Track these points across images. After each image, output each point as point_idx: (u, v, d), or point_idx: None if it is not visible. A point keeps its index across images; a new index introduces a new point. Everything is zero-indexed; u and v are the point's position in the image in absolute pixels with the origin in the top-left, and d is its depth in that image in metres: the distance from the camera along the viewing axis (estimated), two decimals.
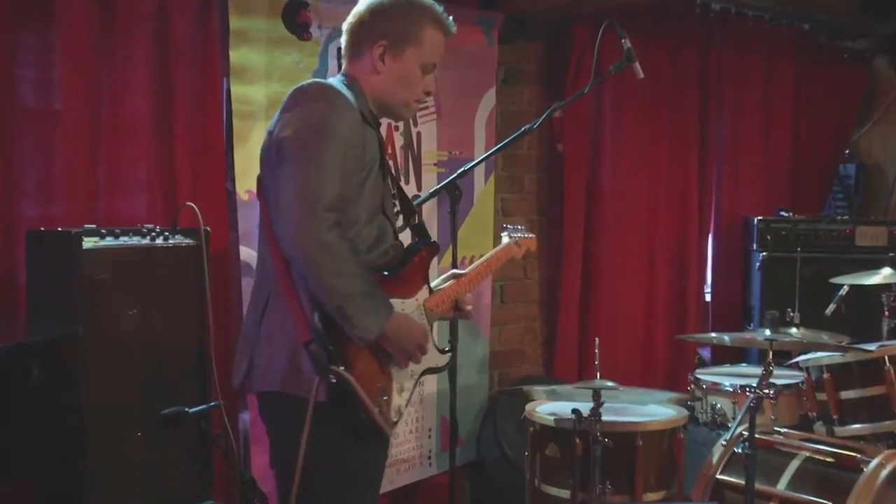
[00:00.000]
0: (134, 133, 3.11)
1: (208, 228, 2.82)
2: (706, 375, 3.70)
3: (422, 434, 4.02)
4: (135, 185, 3.11)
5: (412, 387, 2.24)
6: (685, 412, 3.20)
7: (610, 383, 2.88)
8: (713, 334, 3.41)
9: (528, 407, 3.25)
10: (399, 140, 3.82)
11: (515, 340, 4.61)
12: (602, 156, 4.65)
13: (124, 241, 2.65)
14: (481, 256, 2.68)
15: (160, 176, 3.15)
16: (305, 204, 1.96)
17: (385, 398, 2.10)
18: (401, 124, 3.81)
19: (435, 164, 3.98)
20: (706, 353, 4.92)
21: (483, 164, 3.75)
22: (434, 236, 4.10)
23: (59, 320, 2.54)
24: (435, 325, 2.36)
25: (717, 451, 3.18)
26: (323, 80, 2.18)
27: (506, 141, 3.14)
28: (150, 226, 2.78)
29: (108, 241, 2.61)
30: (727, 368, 3.87)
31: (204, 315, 2.77)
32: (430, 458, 4.05)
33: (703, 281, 5.03)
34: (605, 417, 2.89)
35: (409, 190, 3.86)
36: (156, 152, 3.14)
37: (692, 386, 3.67)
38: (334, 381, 1.98)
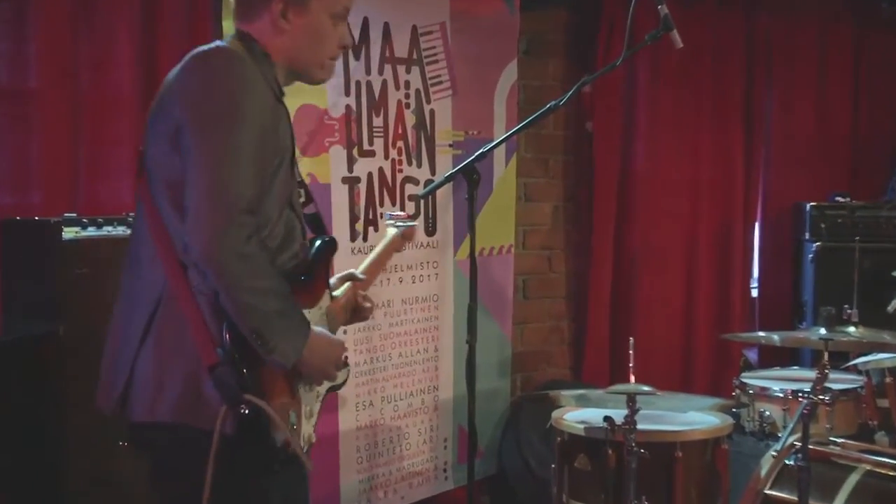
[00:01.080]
0: (118, 112, 3.11)
1: None
2: (753, 379, 3.67)
3: (436, 444, 4.02)
4: (119, 168, 3.11)
5: (318, 410, 2.13)
6: (730, 420, 3.18)
7: (646, 388, 2.86)
8: (761, 333, 3.39)
9: (554, 414, 3.24)
10: (410, 119, 3.82)
11: (540, 340, 4.60)
12: (636, 135, 4.63)
13: (108, 231, 2.66)
14: (373, 251, 2.57)
15: None
16: (221, 207, 1.80)
17: (294, 427, 1.98)
18: (412, 101, 3.81)
19: (450, 146, 3.98)
20: (753, 355, 4.89)
21: (503, 145, 3.75)
22: (449, 226, 4.20)
23: (37, 319, 2.56)
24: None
25: (765, 464, 3.16)
26: (225, 45, 1.97)
27: (529, 119, 3.11)
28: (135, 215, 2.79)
29: (91, 232, 2.62)
30: (777, 372, 3.84)
31: None
32: (445, 470, 4.06)
33: (750, 274, 5.01)
34: (640, 426, 2.87)
35: (422, 174, 3.87)
36: (142, 132, 3.13)
37: (737, 391, 3.63)
38: (246, 411, 1.84)
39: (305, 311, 2.03)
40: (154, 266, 1.93)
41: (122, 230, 2.69)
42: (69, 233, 2.58)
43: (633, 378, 2.98)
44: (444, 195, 3.92)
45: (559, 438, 3.16)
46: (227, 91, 1.87)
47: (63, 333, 2.53)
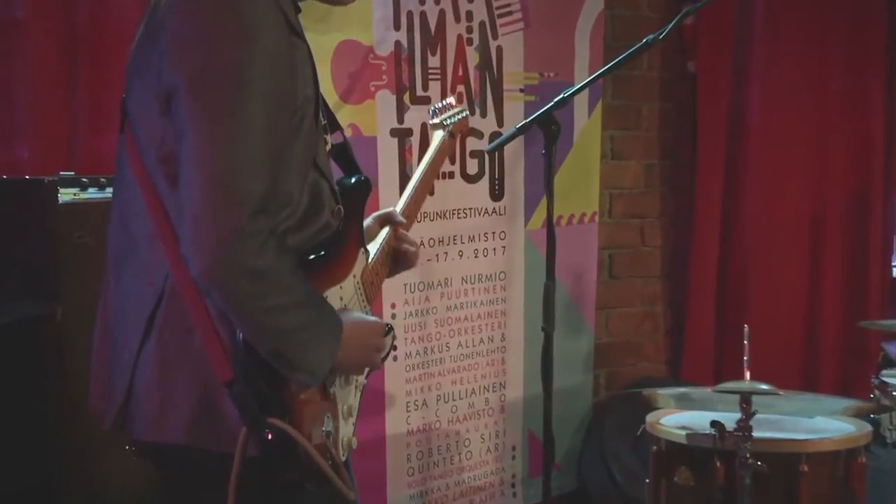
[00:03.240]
0: (121, 50, 3.13)
1: None
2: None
3: (503, 454, 4.02)
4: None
5: (359, 402, 2.10)
6: (867, 427, 3.14)
7: (764, 386, 2.83)
8: None
9: (648, 418, 3.22)
10: (473, 58, 3.80)
11: (630, 329, 4.59)
12: (750, 79, 4.58)
13: (111, 193, 2.68)
14: (419, 170, 2.43)
15: None
16: (225, 215, 1.71)
17: (331, 435, 1.94)
18: (476, 36, 3.79)
19: (521, 91, 3.95)
20: (894, 349, 4.84)
21: (586, 90, 3.71)
22: (519, 189, 4.18)
23: (30, 297, 2.59)
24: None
25: None
26: None
27: (618, 59, 3.08)
28: None
29: (92, 193, 2.65)
30: None
31: None
32: (513, 485, 4.06)
33: (891, 251, 4.95)
34: (756, 433, 2.84)
35: (488, 125, 3.86)
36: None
37: (876, 392, 3.60)
38: (271, 437, 1.79)
39: (338, 288, 2.00)
40: (153, 249, 1.86)
41: None
42: (66, 195, 2.61)
43: (747, 374, 2.95)
44: (513, 151, 3.90)
45: (655, 448, 3.14)
46: (231, 44, 1.74)
47: (61, 316, 2.56)
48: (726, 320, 4.58)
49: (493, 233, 3.93)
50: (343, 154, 2.12)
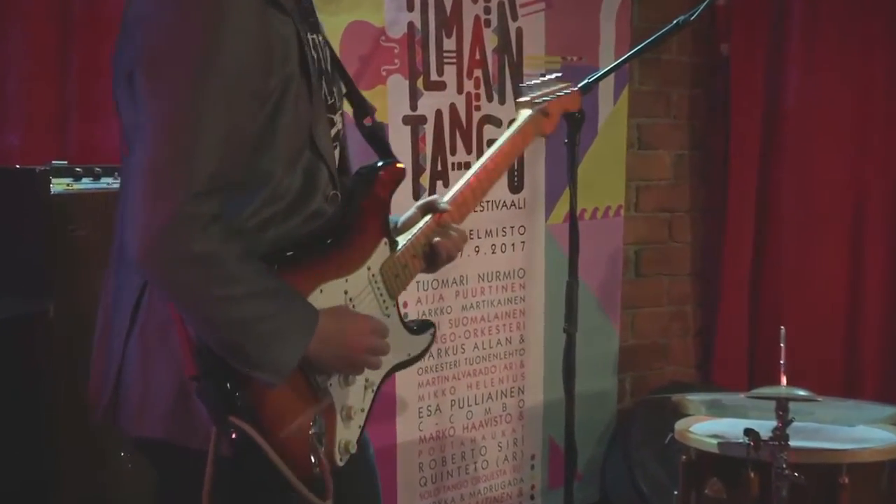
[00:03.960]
0: (116, 33, 3.15)
1: None
2: None
3: (521, 463, 4.02)
4: None
5: (370, 402, 2.07)
6: None
7: (801, 392, 2.84)
8: None
9: (677, 425, 3.22)
10: (490, 40, 3.79)
11: (657, 330, 4.59)
12: (787, 62, 4.57)
13: (108, 183, 2.70)
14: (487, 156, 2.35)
15: None
16: (164, 194, 1.70)
17: (322, 447, 1.91)
18: (494, 17, 3.78)
19: (542, 76, 3.94)
20: None
21: (612, 75, 3.70)
22: (539, 180, 4.18)
23: (20, 294, 2.60)
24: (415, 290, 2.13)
25: None
26: None
27: (647, 42, 3.09)
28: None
29: (86, 184, 2.66)
30: None
31: None
32: (533, 497, 4.07)
33: None
34: (793, 442, 2.83)
35: (506, 112, 3.85)
36: None
37: None
38: (235, 436, 1.79)
39: (343, 281, 1.97)
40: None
41: None
42: (59, 185, 2.62)
43: (784, 379, 2.95)
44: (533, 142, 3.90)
45: (684, 457, 3.14)
46: (188, 21, 1.74)
47: (53, 313, 2.57)
48: (761, 321, 4.57)
49: (512, 227, 3.93)
50: (374, 137, 2.14)
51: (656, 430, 3.67)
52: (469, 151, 3.75)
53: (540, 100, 2.46)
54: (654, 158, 4.53)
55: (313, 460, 1.88)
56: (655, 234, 4.55)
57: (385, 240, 2.07)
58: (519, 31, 3.87)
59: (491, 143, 3.71)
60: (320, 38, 2.02)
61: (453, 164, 3.68)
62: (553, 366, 3.79)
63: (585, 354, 3.74)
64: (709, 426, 3.20)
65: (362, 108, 2.15)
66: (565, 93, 2.54)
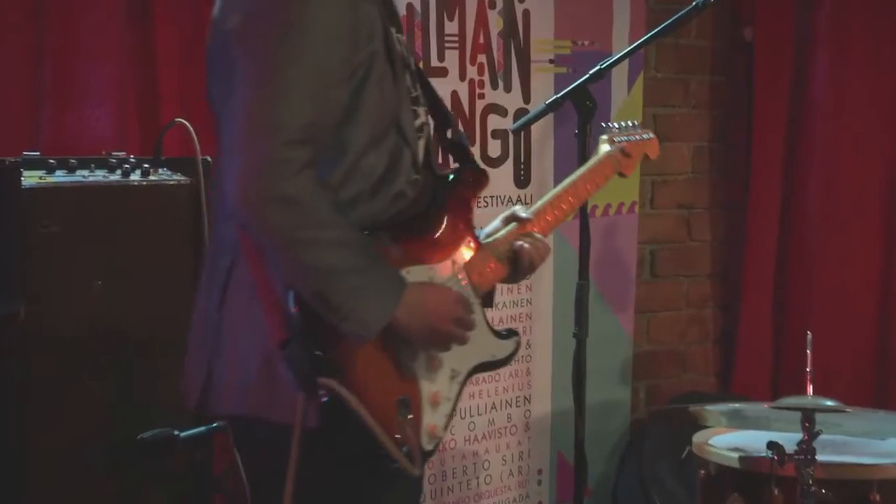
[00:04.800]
0: (93, 16, 3.15)
1: (209, 158, 2.82)
2: None
3: (528, 478, 4.03)
4: (96, 92, 3.16)
5: (455, 394, 2.22)
6: None
7: (829, 402, 2.84)
8: None
9: (695, 438, 3.22)
10: (495, 23, 3.80)
11: (674, 336, 4.59)
12: (816, 48, 4.56)
13: (84, 176, 2.69)
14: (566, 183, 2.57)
15: (134, 78, 3.20)
16: (258, 138, 1.93)
17: (409, 416, 2.08)
18: (499, 0, 3.80)
19: (551, 62, 3.96)
20: None
21: (626, 61, 3.71)
22: (548, 174, 4.14)
23: None
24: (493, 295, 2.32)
25: None
26: None
27: (663, 25, 3.09)
28: (121, 154, 2.82)
29: (60, 177, 2.65)
30: None
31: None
32: None
33: None
34: (820, 456, 2.83)
35: (513, 100, 3.86)
36: (128, 43, 3.20)
37: None
38: (325, 398, 1.96)
39: (427, 268, 2.15)
40: (228, 224, 2.11)
41: (101, 175, 2.72)
42: (31, 178, 2.60)
43: (810, 388, 2.95)
44: (541, 131, 3.90)
45: (703, 472, 3.15)
46: None
47: (24, 315, 2.56)
48: (786, 326, 4.56)
49: None
50: (457, 148, 2.36)
51: (673, 444, 3.67)
52: (472, 143, 3.75)
53: (621, 139, 2.70)
54: (671, 151, 4.52)
55: (399, 434, 2.03)
56: (673, 232, 4.55)
57: (469, 238, 2.25)
58: (526, 14, 3.88)
59: (496, 133, 3.80)
60: (403, 39, 2.23)
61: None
62: (562, 374, 3.78)
63: (597, 361, 3.75)
64: (729, 439, 3.20)
65: (444, 120, 2.35)
66: (646, 137, 2.78)
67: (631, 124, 2.78)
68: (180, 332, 2.76)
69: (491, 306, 2.34)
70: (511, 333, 2.35)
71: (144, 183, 2.77)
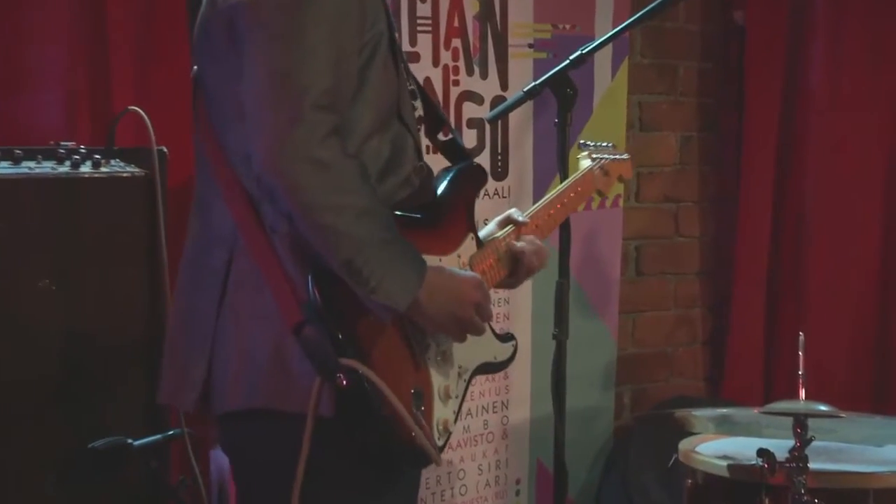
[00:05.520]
0: None
1: (165, 149, 2.83)
2: None
3: (505, 488, 4.03)
4: (44, 78, 3.14)
5: (462, 392, 2.30)
6: None
7: (823, 407, 2.85)
8: None
9: (682, 445, 3.23)
10: (471, 5, 3.80)
11: (660, 338, 4.60)
12: (811, 33, 4.58)
13: (31, 168, 2.67)
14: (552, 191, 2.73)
15: (85, 64, 3.18)
16: (285, 99, 2.00)
17: (422, 409, 2.14)
18: None
19: (530, 46, 3.96)
20: None
21: (609, 45, 3.72)
22: (527, 166, 4.13)
23: None
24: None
25: None
26: None
27: (649, 7, 3.09)
28: (70, 144, 2.80)
29: (4, 169, 2.63)
30: None
31: (159, 286, 2.81)
32: None
33: None
34: (813, 464, 2.84)
35: (489, 88, 3.86)
36: (78, 25, 3.17)
37: None
38: (346, 382, 2.01)
39: (437, 259, 2.22)
40: (222, 213, 2.17)
41: (49, 167, 2.70)
42: None
43: (802, 392, 2.96)
44: (519, 120, 3.91)
45: (689, 481, 3.16)
46: None
47: None
48: (778, 327, 4.58)
49: None
50: (452, 150, 2.49)
51: (659, 451, 3.69)
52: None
53: (600, 157, 2.84)
54: (657, 141, 4.54)
55: (419, 426, 2.08)
56: (659, 227, 4.57)
57: (472, 235, 2.36)
58: None
59: (471, 122, 3.80)
60: (398, 38, 2.32)
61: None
62: (541, 378, 3.77)
63: (578, 365, 3.75)
64: (718, 446, 3.21)
65: (436, 122, 2.48)
66: (622, 157, 2.91)
67: (606, 144, 2.91)
68: (134, 333, 2.80)
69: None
70: (509, 337, 2.43)
71: (95, 175, 2.75)
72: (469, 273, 2.26)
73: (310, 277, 2.04)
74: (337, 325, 2.03)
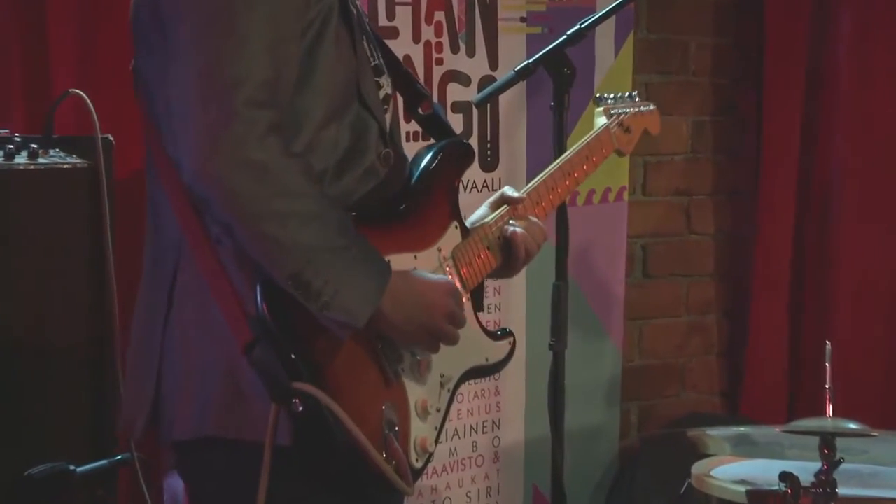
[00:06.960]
0: None
1: (111, 137, 2.84)
2: None
3: None
4: None
5: (445, 404, 2.28)
6: None
7: (853, 425, 2.86)
8: None
9: (695, 468, 3.25)
10: None
11: (670, 348, 4.62)
12: (837, 5, 4.60)
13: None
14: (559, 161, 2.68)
15: (19, 41, 3.19)
16: (214, 98, 1.96)
17: (395, 429, 2.13)
18: None
19: (522, 20, 3.98)
20: None
21: (612, 19, 3.73)
22: (520, 155, 4.15)
23: None
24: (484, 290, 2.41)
25: None
26: None
27: None
28: (4, 132, 2.81)
29: None
30: None
31: (104, 290, 2.81)
32: None
33: None
34: (842, 489, 2.86)
35: (476, 67, 3.87)
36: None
37: None
38: (301, 409, 1.99)
39: (411, 256, 2.22)
40: (169, 217, 2.15)
41: None
42: None
43: (830, 409, 2.97)
44: (511, 103, 3.93)
45: None
46: None
47: None
48: (802, 335, 4.60)
49: None
50: (433, 125, 2.47)
51: (669, 475, 3.69)
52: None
53: (619, 111, 2.80)
54: (666, 127, 4.49)
55: (385, 452, 2.08)
56: (669, 223, 4.59)
57: (455, 223, 2.35)
58: None
59: (457, 105, 3.81)
60: (359, 4, 2.29)
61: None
62: (537, 393, 3.78)
63: (579, 378, 3.77)
64: (735, 469, 3.23)
65: (415, 96, 2.46)
66: (646, 109, 2.88)
67: (627, 96, 2.87)
68: (76, 342, 2.79)
69: (482, 309, 2.40)
70: (505, 333, 2.44)
71: (32, 166, 2.75)
72: (439, 277, 2.24)
73: (258, 290, 2.02)
74: (289, 342, 2.02)
